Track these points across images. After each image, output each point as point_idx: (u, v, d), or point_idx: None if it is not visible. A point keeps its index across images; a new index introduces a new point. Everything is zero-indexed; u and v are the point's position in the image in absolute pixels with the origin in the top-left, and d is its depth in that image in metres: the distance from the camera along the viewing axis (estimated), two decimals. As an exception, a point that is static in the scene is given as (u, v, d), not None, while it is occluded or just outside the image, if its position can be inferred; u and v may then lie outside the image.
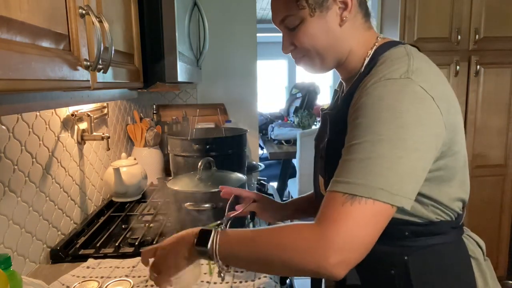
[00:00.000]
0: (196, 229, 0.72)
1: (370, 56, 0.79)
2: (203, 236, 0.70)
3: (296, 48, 0.82)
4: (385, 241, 0.65)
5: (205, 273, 0.99)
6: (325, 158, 0.81)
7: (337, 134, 0.75)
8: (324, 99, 4.77)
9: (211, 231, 0.69)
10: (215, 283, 0.97)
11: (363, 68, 0.78)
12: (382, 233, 0.63)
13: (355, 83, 0.77)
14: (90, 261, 1.08)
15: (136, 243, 1.16)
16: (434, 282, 0.75)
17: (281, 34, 0.84)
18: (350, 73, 0.83)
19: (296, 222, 0.68)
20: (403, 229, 0.75)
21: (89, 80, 0.70)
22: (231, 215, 0.87)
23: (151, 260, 0.77)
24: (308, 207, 1.05)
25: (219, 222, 0.79)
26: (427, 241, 0.75)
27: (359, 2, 0.78)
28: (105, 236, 1.23)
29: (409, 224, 0.74)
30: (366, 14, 0.81)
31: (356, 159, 0.64)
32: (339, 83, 0.93)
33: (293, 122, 3.97)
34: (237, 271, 1.02)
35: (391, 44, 0.78)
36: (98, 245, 1.18)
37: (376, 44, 0.80)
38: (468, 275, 0.77)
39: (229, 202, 0.95)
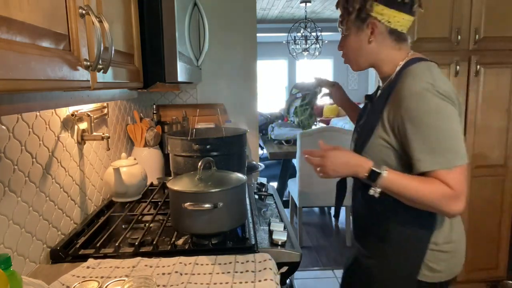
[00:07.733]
0: (367, 166, 1.01)
1: (400, 67, 1.10)
2: (373, 175, 1.01)
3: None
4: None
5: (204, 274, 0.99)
6: (359, 132, 1.17)
7: (373, 114, 1.11)
8: (324, 100, 4.75)
9: (380, 173, 1.00)
10: (215, 283, 0.97)
11: (394, 75, 1.10)
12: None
13: (390, 85, 1.08)
14: (90, 261, 1.08)
15: (136, 243, 1.16)
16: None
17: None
18: (384, 75, 1.16)
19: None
20: None
21: (89, 80, 0.71)
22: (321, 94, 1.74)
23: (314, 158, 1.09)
24: (354, 114, 1.49)
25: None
26: None
27: (388, 31, 1.09)
28: (105, 236, 1.23)
29: None
30: (398, 39, 1.10)
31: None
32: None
33: (293, 122, 3.97)
34: (236, 271, 1.02)
35: (415, 60, 1.07)
36: (98, 245, 1.18)
37: (406, 58, 1.10)
38: None
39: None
